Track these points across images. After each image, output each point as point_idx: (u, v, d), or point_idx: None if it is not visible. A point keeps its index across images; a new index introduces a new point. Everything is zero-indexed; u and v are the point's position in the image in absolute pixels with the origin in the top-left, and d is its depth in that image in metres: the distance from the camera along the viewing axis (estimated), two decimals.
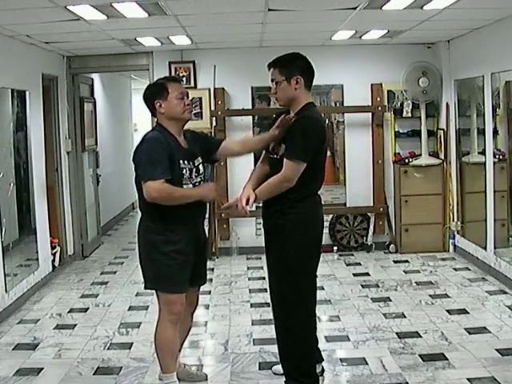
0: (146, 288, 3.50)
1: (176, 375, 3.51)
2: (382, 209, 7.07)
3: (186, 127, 3.53)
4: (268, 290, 3.65)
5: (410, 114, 6.94)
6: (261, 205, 3.64)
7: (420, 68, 6.80)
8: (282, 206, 3.38)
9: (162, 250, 3.33)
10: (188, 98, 3.45)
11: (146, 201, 3.30)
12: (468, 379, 3.61)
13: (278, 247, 3.44)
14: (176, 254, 3.34)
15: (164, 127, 3.39)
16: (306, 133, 3.28)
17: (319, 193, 3.55)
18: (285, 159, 3.29)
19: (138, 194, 3.40)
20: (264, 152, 3.62)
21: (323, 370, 3.76)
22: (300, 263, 3.40)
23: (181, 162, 3.33)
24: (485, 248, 5.97)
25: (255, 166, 3.76)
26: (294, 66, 3.39)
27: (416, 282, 5.79)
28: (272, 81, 3.42)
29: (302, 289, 3.43)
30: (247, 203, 3.35)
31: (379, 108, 6.92)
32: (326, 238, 7.09)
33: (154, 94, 3.40)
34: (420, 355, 4.02)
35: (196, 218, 3.50)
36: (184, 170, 3.34)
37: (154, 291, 3.52)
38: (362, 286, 5.77)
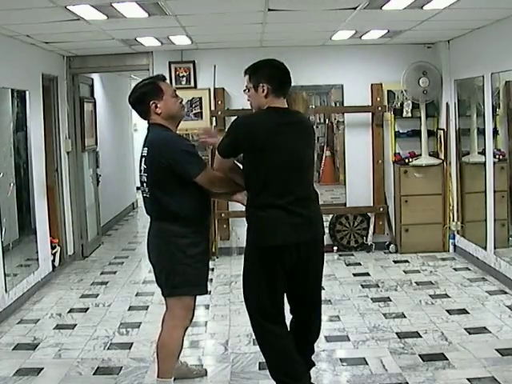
0: (168, 296, 3.38)
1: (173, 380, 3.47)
2: (382, 209, 7.08)
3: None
4: None
5: (410, 114, 6.95)
6: None
7: (420, 68, 6.80)
8: (247, 212, 3.30)
9: (189, 254, 3.27)
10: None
11: (171, 205, 3.23)
12: (468, 379, 3.61)
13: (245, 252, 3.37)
14: (201, 256, 3.35)
15: (165, 126, 3.33)
16: (230, 129, 3.29)
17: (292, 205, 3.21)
18: None
19: (154, 200, 3.29)
20: None
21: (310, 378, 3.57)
22: (247, 275, 3.29)
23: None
24: (485, 248, 5.97)
25: None
26: (260, 73, 3.26)
27: (416, 282, 5.79)
28: (246, 87, 3.34)
29: (251, 301, 3.32)
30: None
31: (379, 108, 6.92)
32: (326, 238, 7.06)
33: (148, 95, 3.31)
34: (420, 355, 4.02)
35: (209, 217, 3.51)
36: None
37: (159, 296, 3.48)
38: (361, 285, 5.77)
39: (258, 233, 3.22)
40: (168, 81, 6.73)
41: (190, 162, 3.21)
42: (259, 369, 3.92)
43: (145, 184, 3.33)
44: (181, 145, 3.26)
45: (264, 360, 3.95)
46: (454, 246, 6.84)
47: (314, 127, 3.67)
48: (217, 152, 3.29)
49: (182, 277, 3.29)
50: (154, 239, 3.37)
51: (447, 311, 4.92)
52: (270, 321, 3.31)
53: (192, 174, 3.20)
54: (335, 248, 7.13)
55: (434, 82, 6.80)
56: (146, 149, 3.30)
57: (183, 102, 3.47)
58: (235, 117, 7.15)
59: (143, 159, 3.31)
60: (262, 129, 3.18)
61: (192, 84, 6.98)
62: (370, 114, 7.00)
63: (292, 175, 3.20)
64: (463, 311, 4.90)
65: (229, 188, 3.35)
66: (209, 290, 5.73)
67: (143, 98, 3.32)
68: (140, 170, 3.35)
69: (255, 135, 3.16)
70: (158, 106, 3.31)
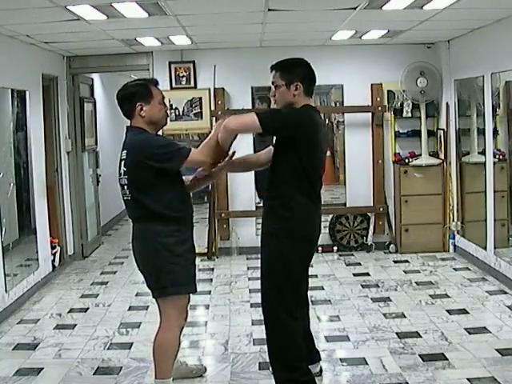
0: (158, 297, 3.38)
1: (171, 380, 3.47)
2: (382, 209, 7.08)
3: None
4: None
5: (410, 114, 6.95)
6: (261, 204, 3.66)
7: (418, 68, 6.79)
8: (277, 207, 3.36)
9: (176, 253, 3.28)
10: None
11: (155, 204, 3.24)
12: (468, 379, 3.61)
13: (267, 247, 3.44)
14: (188, 254, 3.35)
15: (145, 130, 3.33)
16: (283, 112, 3.33)
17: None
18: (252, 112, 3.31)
19: (136, 202, 3.30)
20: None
21: (321, 370, 3.76)
22: (285, 266, 3.36)
23: None
24: (485, 248, 5.97)
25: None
26: (295, 72, 3.36)
27: (416, 282, 5.79)
28: (272, 83, 3.41)
29: (283, 291, 3.38)
30: None
31: (379, 108, 6.92)
32: (326, 238, 7.11)
33: (137, 95, 3.31)
34: (420, 355, 4.02)
35: (192, 214, 3.48)
36: None
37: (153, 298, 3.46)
38: (362, 285, 5.77)
39: (305, 225, 3.38)
40: (168, 81, 6.76)
41: (173, 153, 3.22)
42: (259, 369, 3.92)
43: (125, 186, 3.32)
44: (158, 141, 3.30)
45: (264, 360, 3.99)
46: (454, 245, 6.84)
47: None
48: (254, 115, 3.21)
49: (170, 276, 3.28)
50: (140, 241, 3.35)
51: (447, 311, 4.92)
52: (297, 306, 3.45)
53: (179, 161, 3.21)
54: (335, 248, 7.13)
55: (433, 82, 6.79)
56: (125, 152, 3.31)
57: (168, 111, 3.48)
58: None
59: (122, 162, 3.31)
60: (313, 124, 3.32)
61: (192, 84, 6.98)
62: (370, 114, 7.00)
63: (320, 174, 3.43)
64: (463, 311, 4.90)
65: (220, 154, 3.32)
66: (209, 290, 5.75)
67: (131, 98, 3.32)
68: (119, 174, 3.33)
69: (307, 128, 3.28)
70: (144, 109, 3.30)
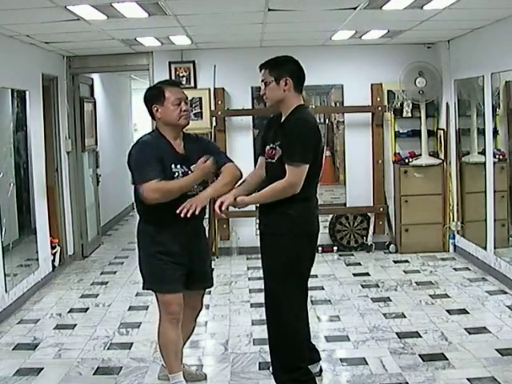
0: (143, 288, 3.54)
1: (182, 375, 3.51)
2: (382, 209, 7.08)
3: (192, 131, 3.60)
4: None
5: (410, 114, 6.95)
6: (258, 204, 3.65)
7: (417, 68, 6.79)
8: (279, 206, 3.37)
9: (149, 251, 3.41)
10: (186, 103, 3.42)
11: (138, 204, 3.41)
12: (468, 379, 3.61)
13: (270, 247, 3.45)
14: (162, 255, 3.37)
15: (159, 131, 3.41)
16: (303, 135, 3.29)
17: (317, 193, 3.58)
18: (287, 165, 3.27)
19: (134, 197, 3.47)
20: (260, 158, 3.61)
21: (321, 370, 3.76)
22: (290, 265, 3.38)
23: (172, 166, 3.33)
24: (485, 248, 5.97)
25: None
26: (283, 67, 3.39)
27: (416, 282, 5.79)
28: (262, 81, 3.45)
29: (289, 290, 3.41)
30: (220, 208, 3.28)
31: (379, 108, 6.92)
32: (326, 238, 7.12)
33: (151, 99, 3.40)
34: (420, 355, 4.02)
35: (185, 218, 3.32)
36: (176, 174, 3.33)
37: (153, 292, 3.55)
38: (361, 286, 5.77)
39: (306, 221, 3.42)
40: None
41: (137, 170, 3.29)
42: (259, 369, 3.92)
43: None
44: (136, 152, 3.33)
45: (264, 360, 3.99)
46: (454, 245, 6.84)
47: None
48: (295, 166, 3.24)
49: (146, 272, 3.47)
50: (137, 236, 3.58)
51: (447, 311, 4.92)
52: (301, 305, 3.51)
53: (134, 180, 3.31)
54: (335, 248, 7.14)
55: (432, 82, 6.78)
56: None
57: (186, 112, 3.40)
58: (235, 117, 7.23)
59: None
60: (317, 127, 3.41)
61: (192, 84, 6.98)
62: (370, 114, 7.00)
63: (320, 170, 3.48)
64: (463, 311, 4.90)
65: (172, 197, 3.28)
66: (209, 290, 5.73)
67: (147, 101, 3.44)
68: None
69: (318, 134, 3.38)
70: (159, 111, 3.38)
